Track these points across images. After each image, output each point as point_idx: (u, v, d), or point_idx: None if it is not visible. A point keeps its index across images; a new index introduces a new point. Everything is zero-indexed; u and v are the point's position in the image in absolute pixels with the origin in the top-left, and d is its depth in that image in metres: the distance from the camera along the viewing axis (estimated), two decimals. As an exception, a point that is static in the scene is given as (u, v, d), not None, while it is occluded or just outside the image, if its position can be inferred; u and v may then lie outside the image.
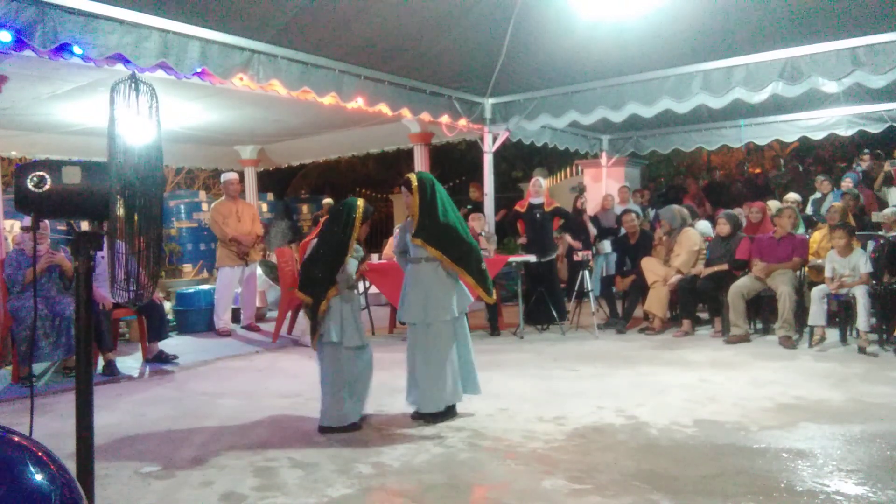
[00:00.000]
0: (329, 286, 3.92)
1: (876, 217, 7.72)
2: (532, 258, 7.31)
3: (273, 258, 9.17)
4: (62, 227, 7.61)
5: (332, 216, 4.15)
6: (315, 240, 4.28)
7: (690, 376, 5.10)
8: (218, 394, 5.03)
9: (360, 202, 4.05)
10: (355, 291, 4.17)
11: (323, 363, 4.03)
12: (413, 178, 4.13)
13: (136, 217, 1.90)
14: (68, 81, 6.03)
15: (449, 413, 4.12)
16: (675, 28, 6.06)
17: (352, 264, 4.01)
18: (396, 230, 8.58)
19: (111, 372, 5.59)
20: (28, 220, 5.01)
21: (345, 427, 3.93)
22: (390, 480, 3.18)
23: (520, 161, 15.05)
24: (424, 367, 4.07)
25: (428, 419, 4.06)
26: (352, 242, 3.98)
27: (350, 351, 4.01)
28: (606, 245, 7.98)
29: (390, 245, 7.84)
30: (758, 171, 13.35)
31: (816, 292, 6.09)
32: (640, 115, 7.46)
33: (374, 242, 13.22)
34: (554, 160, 14.30)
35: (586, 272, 7.22)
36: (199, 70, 5.17)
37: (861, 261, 6.00)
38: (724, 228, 6.97)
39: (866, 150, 10.32)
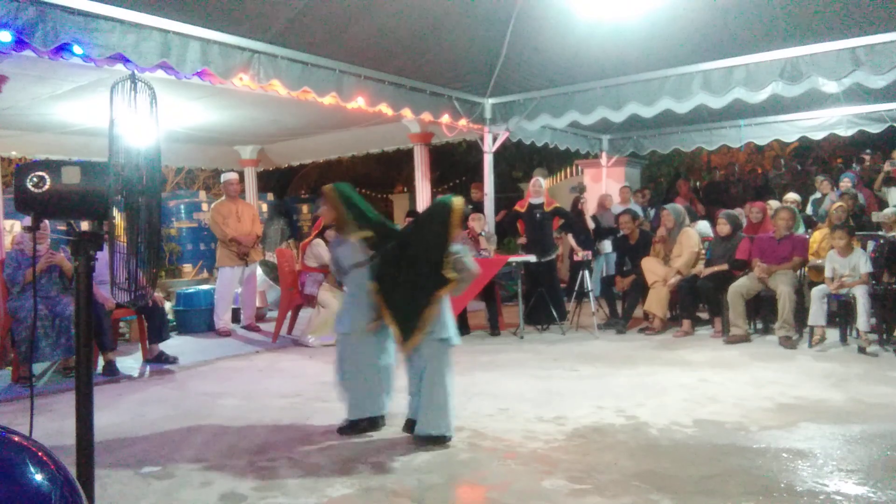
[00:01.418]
0: (434, 289, 3.71)
1: (876, 217, 7.72)
2: (532, 258, 7.31)
3: (272, 258, 9.17)
4: (62, 227, 7.61)
5: (427, 217, 3.99)
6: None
7: (690, 376, 5.10)
8: (218, 394, 5.03)
9: (457, 201, 3.79)
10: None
11: (435, 361, 3.77)
12: (327, 188, 4.03)
13: (135, 217, 1.91)
14: (68, 81, 6.03)
15: (361, 425, 3.92)
16: (675, 28, 6.07)
17: (470, 262, 3.84)
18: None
19: (111, 372, 5.58)
20: (28, 220, 5.02)
21: (437, 437, 3.73)
22: (390, 480, 3.18)
23: (520, 161, 15.04)
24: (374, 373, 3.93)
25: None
26: (449, 245, 3.75)
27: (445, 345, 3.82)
28: (607, 245, 7.99)
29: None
30: (758, 171, 13.35)
31: (816, 292, 6.09)
32: (640, 115, 7.46)
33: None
34: (554, 160, 14.30)
35: (586, 272, 7.22)
36: (199, 70, 5.17)
37: (861, 261, 6.00)
38: (724, 228, 6.97)
39: (868, 151, 10.34)
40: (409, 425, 3.83)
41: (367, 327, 3.87)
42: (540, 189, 7.83)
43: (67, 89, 6.29)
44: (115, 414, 4.48)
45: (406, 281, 3.77)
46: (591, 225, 8.37)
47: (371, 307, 3.88)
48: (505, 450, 3.56)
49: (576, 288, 7.40)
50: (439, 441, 3.65)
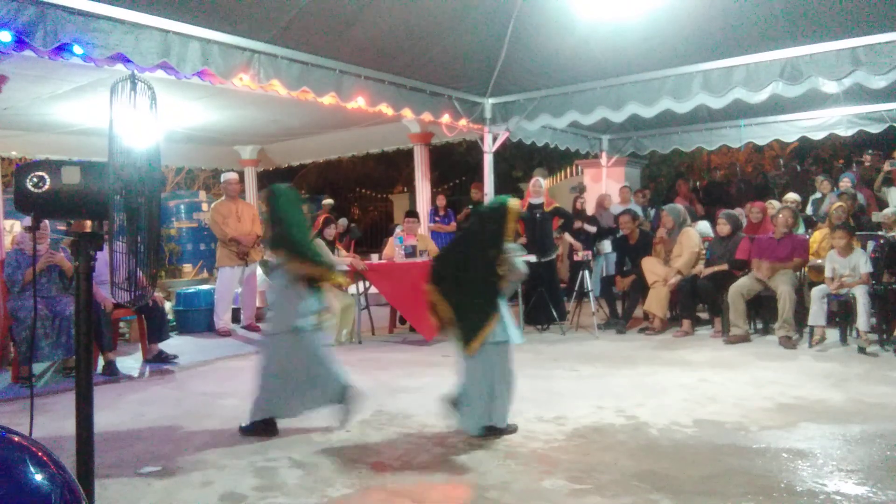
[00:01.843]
0: (496, 294, 3.74)
1: (876, 217, 7.71)
2: (532, 258, 7.31)
3: (272, 258, 9.15)
4: (62, 227, 7.61)
5: (484, 216, 3.92)
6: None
7: (690, 376, 5.10)
8: (218, 394, 5.03)
9: (513, 202, 3.79)
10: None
11: (481, 365, 3.81)
12: (264, 190, 4.09)
13: (134, 217, 1.91)
14: (68, 81, 6.03)
15: (262, 428, 3.93)
16: (675, 28, 6.06)
17: (519, 262, 3.85)
18: (398, 230, 8.61)
19: (111, 372, 5.59)
20: (28, 220, 5.02)
21: (502, 428, 3.79)
22: (390, 480, 3.18)
23: (520, 161, 15.05)
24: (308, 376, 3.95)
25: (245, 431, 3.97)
26: (504, 243, 3.76)
27: (507, 347, 3.86)
28: (606, 245, 7.99)
29: (390, 245, 7.84)
30: (758, 170, 13.36)
31: (816, 292, 6.09)
32: (640, 115, 7.45)
33: (374, 242, 13.21)
34: (554, 160, 14.30)
35: (586, 272, 7.22)
36: (199, 70, 5.17)
37: (861, 261, 6.00)
38: (724, 228, 6.97)
39: (870, 151, 10.33)
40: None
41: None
42: (540, 189, 7.83)
43: (67, 89, 6.29)
44: (115, 414, 4.48)
45: (467, 282, 3.76)
46: (592, 229, 8.36)
47: (301, 308, 3.93)
48: (505, 450, 3.56)
49: (576, 288, 7.40)
50: (504, 432, 3.77)
